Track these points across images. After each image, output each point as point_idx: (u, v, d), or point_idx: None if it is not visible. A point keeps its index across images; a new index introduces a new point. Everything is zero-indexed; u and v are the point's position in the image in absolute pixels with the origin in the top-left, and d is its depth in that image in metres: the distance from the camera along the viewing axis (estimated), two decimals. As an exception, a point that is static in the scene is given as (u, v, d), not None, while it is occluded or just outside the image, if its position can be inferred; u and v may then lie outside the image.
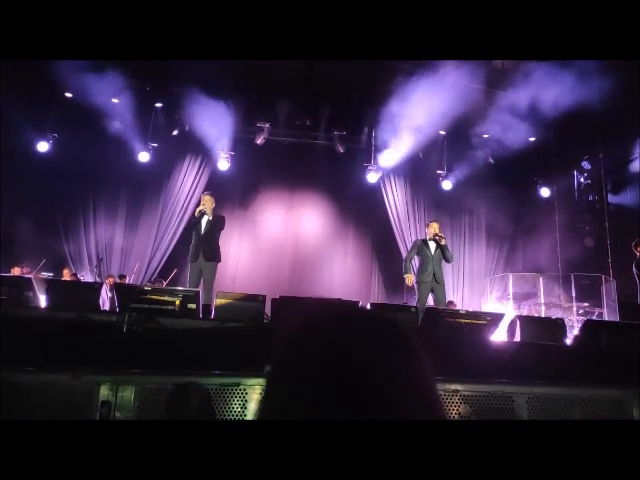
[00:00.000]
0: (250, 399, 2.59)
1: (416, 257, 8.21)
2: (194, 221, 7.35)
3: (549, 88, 9.47)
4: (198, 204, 7.58)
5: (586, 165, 11.86)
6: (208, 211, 7.26)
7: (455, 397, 2.77)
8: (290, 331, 0.74)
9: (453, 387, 2.78)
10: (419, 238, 8.58)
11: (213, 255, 7.18)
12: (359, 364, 0.66)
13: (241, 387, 2.63)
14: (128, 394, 2.52)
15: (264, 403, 0.71)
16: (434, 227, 7.93)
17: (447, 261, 7.84)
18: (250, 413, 2.57)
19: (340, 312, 0.74)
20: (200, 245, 7.14)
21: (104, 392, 2.48)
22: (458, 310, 6.02)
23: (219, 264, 7.35)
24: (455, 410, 2.72)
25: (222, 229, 7.48)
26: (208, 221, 7.29)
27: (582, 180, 12.08)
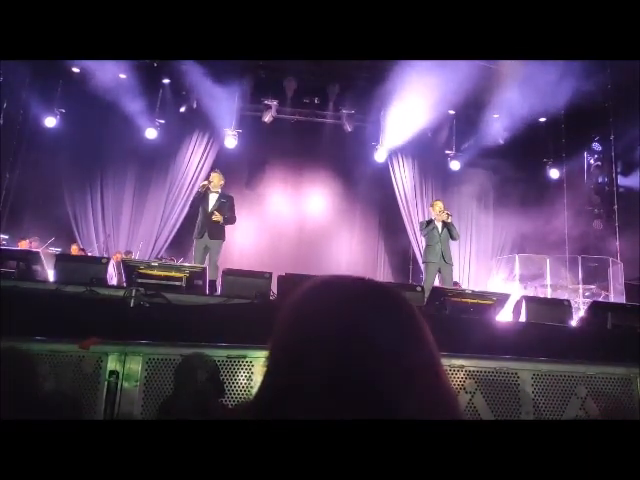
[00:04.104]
0: (256, 371, 2.62)
1: (423, 238, 8.18)
2: (197, 196, 7.32)
3: (560, 68, 9.32)
4: (207, 179, 7.51)
5: (596, 146, 11.73)
6: (212, 189, 7.22)
7: (460, 372, 2.79)
8: (292, 302, 0.74)
9: (459, 362, 2.79)
10: (425, 219, 8.54)
11: (218, 234, 7.14)
12: (360, 340, 0.65)
13: (247, 359, 2.65)
14: (135, 364, 2.55)
15: (266, 374, 0.71)
16: (439, 205, 7.84)
17: (454, 239, 7.78)
18: (256, 384, 2.60)
19: (342, 286, 0.74)
20: (206, 222, 7.12)
21: (112, 362, 2.51)
22: (464, 290, 6.01)
23: (225, 242, 7.34)
24: (460, 385, 2.74)
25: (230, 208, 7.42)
26: (216, 199, 7.25)
27: (592, 162, 11.95)
